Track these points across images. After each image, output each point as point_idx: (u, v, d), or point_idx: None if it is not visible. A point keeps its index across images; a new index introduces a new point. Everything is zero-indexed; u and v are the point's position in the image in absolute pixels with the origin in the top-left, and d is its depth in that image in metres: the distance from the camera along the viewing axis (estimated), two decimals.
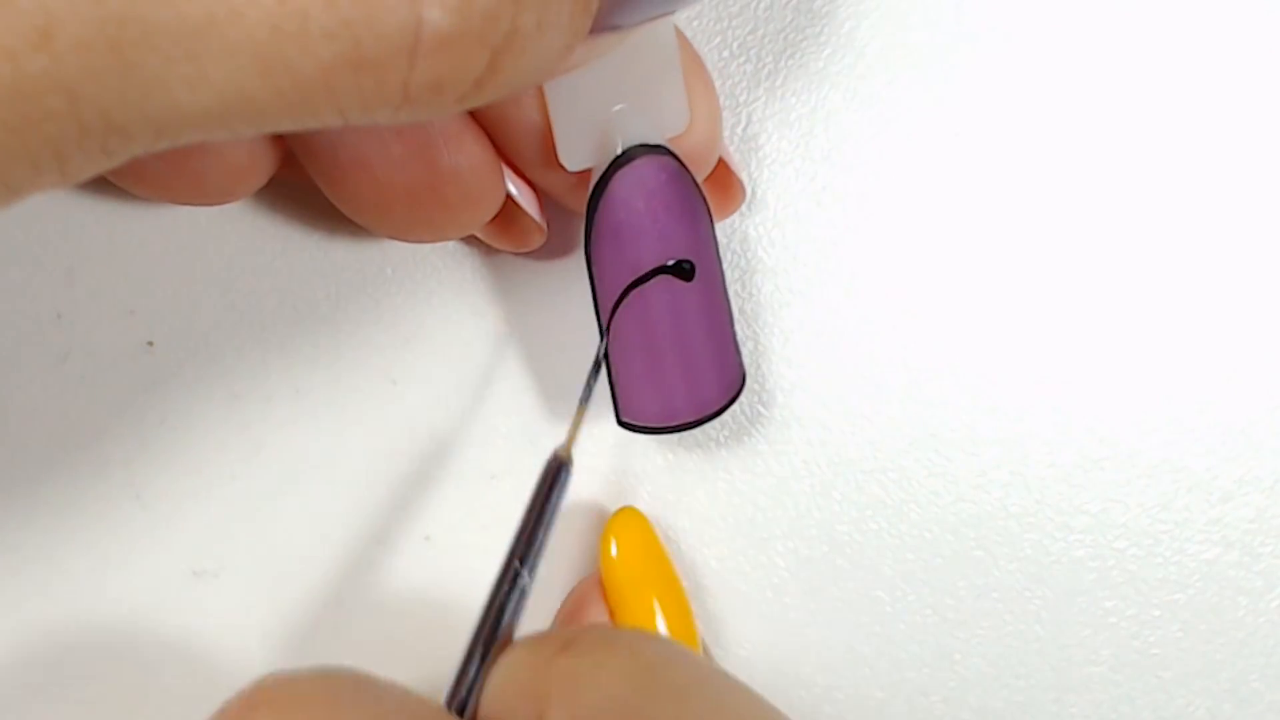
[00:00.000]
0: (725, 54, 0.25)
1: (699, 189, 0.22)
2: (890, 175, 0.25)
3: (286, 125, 0.16)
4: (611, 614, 0.24)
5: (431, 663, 0.26)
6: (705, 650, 0.25)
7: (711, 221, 0.23)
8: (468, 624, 0.26)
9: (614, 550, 0.24)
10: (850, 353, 0.25)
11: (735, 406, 0.23)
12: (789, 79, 0.25)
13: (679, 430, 0.23)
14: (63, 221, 0.26)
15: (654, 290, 0.22)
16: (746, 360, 0.25)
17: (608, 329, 0.22)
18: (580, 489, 0.26)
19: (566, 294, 0.26)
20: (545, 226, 0.24)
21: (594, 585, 0.24)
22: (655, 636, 0.22)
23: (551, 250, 0.25)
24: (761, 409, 0.26)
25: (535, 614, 0.23)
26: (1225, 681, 0.25)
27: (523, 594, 0.20)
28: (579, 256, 0.25)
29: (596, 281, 0.22)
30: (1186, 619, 0.25)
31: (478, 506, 0.26)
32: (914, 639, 0.25)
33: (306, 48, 0.15)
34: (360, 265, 0.26)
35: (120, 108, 0.15)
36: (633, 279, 0.22)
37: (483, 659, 0.20)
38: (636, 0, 0.18)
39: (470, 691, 0.20)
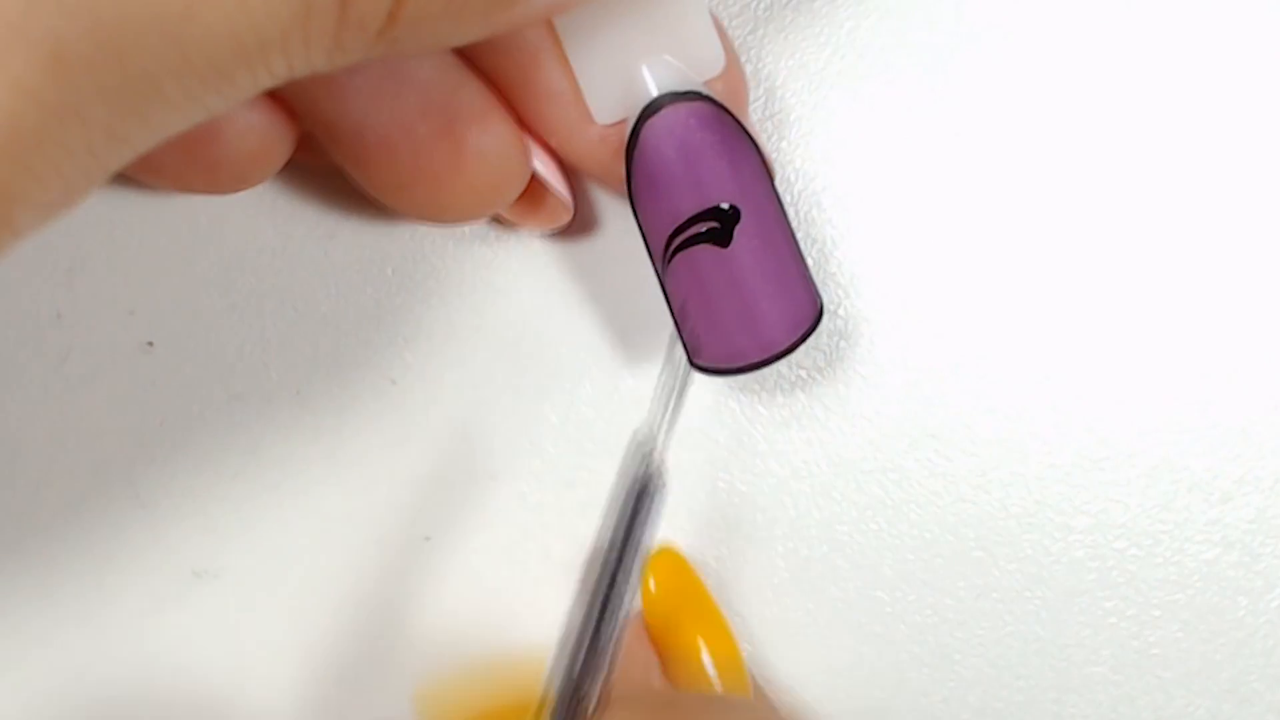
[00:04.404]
0: None
1: (742, 131, 0.22)
2: (890, 175, 0.25)
3: (243, 92, 0.16)
4: (659, 655, 0.24)
5: (432, 663, 0.26)
6: (755, 687, 0.25)
7: (762, 161, 0.22)
8: (469, 624, 0.26)
9: (652, 586, 0.24)
10: (850, 353, 0.25)
11: (735, 406, 0.23)
12: (789, 79, 0.25)
13: (751, 370, 0.22)
14: (63, 221, 0.26)
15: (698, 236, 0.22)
16: None
17: (662, 281, 0.22)
18: (579, 489, 0.26)
19: (568, 293, 0.26)
20: (572, 203, 0.24)
21: (639, 627, 0.24)
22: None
23: (568, 229, 0.25)
24: (761, 409, 0.26)
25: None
26: (1225, 681, 0.25)
27: (616, 640, 0.19)
28: (583, 250, 0.26)
29: (645, 234, 0.22)
30: (1186, 619, 0.25)
31: (478, 506, 0.26)
32: (914, 639, 0.25)
33: (272, 11, 0.15)
34: (360, 265, 0.26)
35: (122, 118, 0.15)
36: (673, 228, 0.22)
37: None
38: None
39: None
